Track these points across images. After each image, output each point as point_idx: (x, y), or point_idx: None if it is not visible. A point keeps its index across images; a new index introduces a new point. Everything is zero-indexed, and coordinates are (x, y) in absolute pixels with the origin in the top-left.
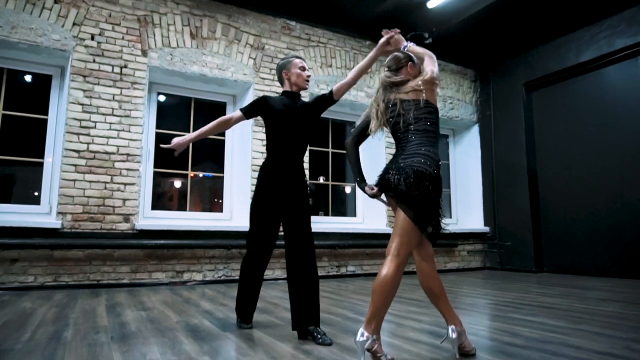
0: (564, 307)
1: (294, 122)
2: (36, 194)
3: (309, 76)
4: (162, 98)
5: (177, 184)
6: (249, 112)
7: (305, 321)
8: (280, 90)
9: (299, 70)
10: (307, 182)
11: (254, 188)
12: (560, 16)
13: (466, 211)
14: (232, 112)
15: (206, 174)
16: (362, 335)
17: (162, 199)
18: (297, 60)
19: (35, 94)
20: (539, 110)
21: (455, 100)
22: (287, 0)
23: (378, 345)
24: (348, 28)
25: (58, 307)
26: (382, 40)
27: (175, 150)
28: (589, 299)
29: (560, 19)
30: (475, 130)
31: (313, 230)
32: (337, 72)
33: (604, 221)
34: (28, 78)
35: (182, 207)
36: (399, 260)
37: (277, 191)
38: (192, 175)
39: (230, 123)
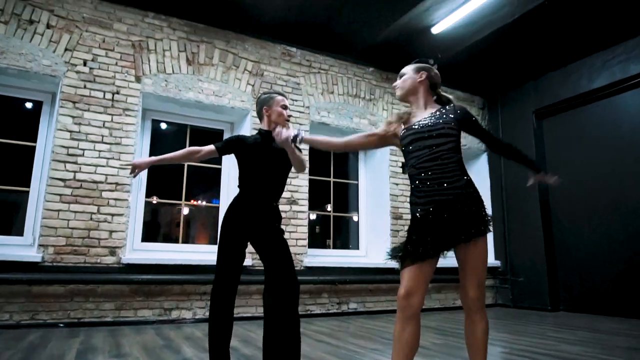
0: (587, 358)
1: (267, 165)
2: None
3: (289, 116)
4: (157, 125)
5: (171, 214)
6: (221, 149)
7: None
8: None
9: (279, 109)
10: (279, 225)
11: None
12: (570, 42)
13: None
14: (205, 146)
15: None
16: None
17: (156, 230)
18: (279, 98)
19: (25, 121)
20: (550, 138)
21: None
22: (288, 26)
23: None
24: (351, 54)
25: (24, 351)
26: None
27: (135, 169)
28: (617, 347)
29: (570, 45)
30: (484, 159)
31: (313, 264)
32: (339, 99)
33: (624, 255)
34: (18, 104)
35: (177, 239)
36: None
37: (242, 230)
38: (194, 203)
39: (198, 155)
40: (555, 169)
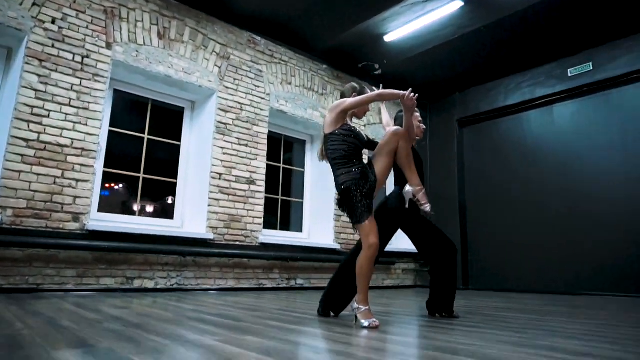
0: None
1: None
2: None
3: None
4: (118, 95)
5: (126, 186)
6: None
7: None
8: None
9: (417, 123)
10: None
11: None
12: (492, 64)
13: (400, 232)
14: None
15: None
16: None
17: (109, 201)
18: (417, 114)
19: None
20: (470, 145)
21: None
22: (256, 17)
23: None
24: (308, 51)
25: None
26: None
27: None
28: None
29: (492, 66)
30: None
31: (267, 242)
32: (296, 90)
33: (523, 245)
34: None
35: (128, 212)
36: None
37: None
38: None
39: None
40: (472, 172)
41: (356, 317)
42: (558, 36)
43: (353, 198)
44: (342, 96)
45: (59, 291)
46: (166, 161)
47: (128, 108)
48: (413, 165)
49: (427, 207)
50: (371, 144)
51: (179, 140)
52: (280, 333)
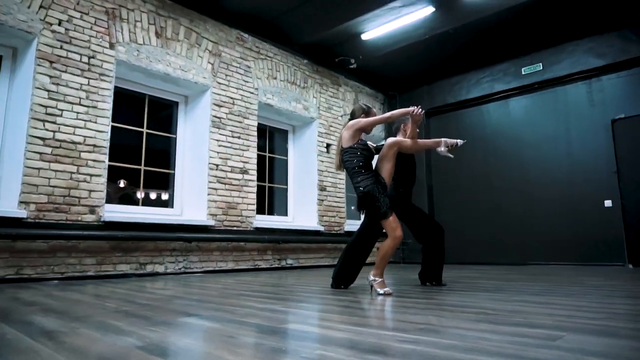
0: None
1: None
2: None
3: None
4: (118, 91)
5: (128, 178)
6: None
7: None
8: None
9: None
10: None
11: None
12: (456, 60)
13: None
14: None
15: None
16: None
17: (112, 193)
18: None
19: None
20: (436, 134)
21: None
22: (241, 14)
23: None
24: (291, 46)
25: (52, 293)
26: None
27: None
28: (466, 276)
29: (456, 62)
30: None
31: (260, 226)
32: (281, 84)
33: (483, 224)
34: None
35: (130, 202)
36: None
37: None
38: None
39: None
40: (439, 158)
41: (371, 286)
42: (514, 39)
43: (376, 199)
44: (352, 114)
45: (81, 278)
46: (163, 153)
47: (127, 104)
48: (419, 142)
49: (459, 142)
50: (376, 150)
51: (175, 133)
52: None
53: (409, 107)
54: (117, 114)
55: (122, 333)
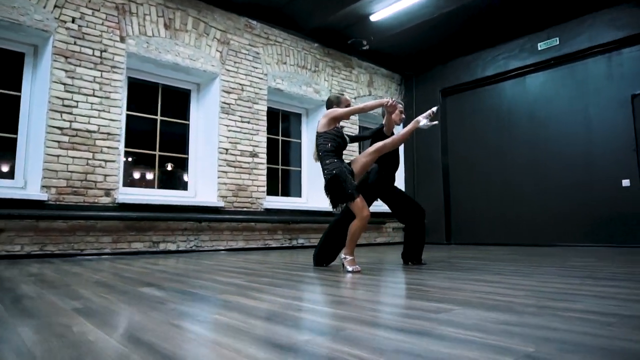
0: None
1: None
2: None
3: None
4: (132, 82)
5: (145, 164)
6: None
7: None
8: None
9: (399, 113)
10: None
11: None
12: (471, 38)
13: None
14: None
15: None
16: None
17: (131, 177)
18: (400, 107)
19: (5, 71)
20: (452, 112)
21: None
22: (249, 3)
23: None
24: (300, 31)
25: (62, 267)
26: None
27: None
28: (479, 256)
29: (470, 40)
30: (400, 128)
31: (270, 207)
32: (291, 68)
33: (496, 205)
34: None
35: (148, 186)
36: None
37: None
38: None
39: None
40: (455, 139)
41: (343, 264)
42: (530, 13)
43: (342, 182)
44: (329, 103)
45: (98, 255)
46: (178, 138)
47: (142, 93)
48: (398, 137)
49: (434, 110)
50: (352, 140)
51: (188, 119)
52: (287, 276)
53: (426, 86)
54: (134, 103)
55: (76, 298)
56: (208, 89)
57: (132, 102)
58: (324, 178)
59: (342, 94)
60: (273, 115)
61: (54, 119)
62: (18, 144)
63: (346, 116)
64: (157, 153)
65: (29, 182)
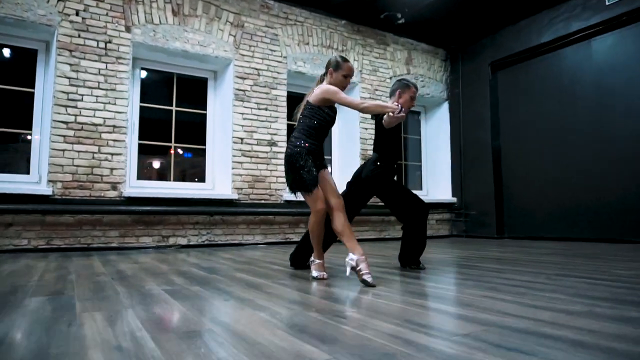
0: (509, 258)
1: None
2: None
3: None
4: (146, 73)
5: (160, 156)
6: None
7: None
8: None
9: (409, 98)
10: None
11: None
12: (521, 0)
13: (435, 183)
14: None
15: (186, 154)
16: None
17: (146, 170)
18: (413, 90)
19: (21, 68)
20: (503, 88)
21: (426, 78)
22: None
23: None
24: (324, 8)
25: (56, 262)
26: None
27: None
28: (534, 253)
29: (522, 3)
30: (445, 107)
31: (291, 199)
32: (314, 49)
33: (558, 192)
34: (14, 52)
35: (164, 178)
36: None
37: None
38: (172, 151)
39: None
40: (507, 117)
41: (309, 266)
42: None
43: (301, 168)
44: (327, 66)
45: (105, 249)
46: (197, 129)
47: (157, 84)
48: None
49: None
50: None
51: (205, 108)
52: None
53: (473, 61)
54: (150, 94)
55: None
56: (223, 76)
57: (149, 93)
58: (285, 152)
59: (347, 60)
60: (294, 101)
61: (58, 113)
62: (32, 140)
63: (341, 104)
64: (173, 144)
65: (43, 177)
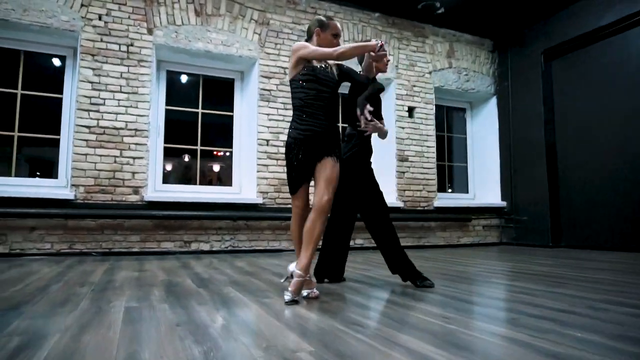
0: (554, 274)
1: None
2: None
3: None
4: (172, 76)
5: (187, 158)
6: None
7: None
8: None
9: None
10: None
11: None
12: None
13: (483, 186)
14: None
15: (212, 157)
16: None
17: (173, 173)
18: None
19: (51, 75)
20: (558, 79)
21: (471, 72)
22: None
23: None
24: (355, 1)
25: (63, 268)
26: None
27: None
28: (587, 268)
29: None
30: (493, 102)
31: None
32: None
33: (625, 195)
34: (44, 60)
35: (191, 181)
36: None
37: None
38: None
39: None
40: (563, 111)
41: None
42: None
43: (287, 163)
44: (308, 31)
45: (126, 254)
46: (224, 131)
47: (183, 86)
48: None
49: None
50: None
51: (232, 110)
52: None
53: (523, 50)
54: (175, 97)
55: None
56: (249, 76)
57: (175, 96)
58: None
59: (332, 19)
60: None
61: (81, 117)
62: (60, 145)
63: (314, 58)
64: (199, 148)
65: (70, 181)
